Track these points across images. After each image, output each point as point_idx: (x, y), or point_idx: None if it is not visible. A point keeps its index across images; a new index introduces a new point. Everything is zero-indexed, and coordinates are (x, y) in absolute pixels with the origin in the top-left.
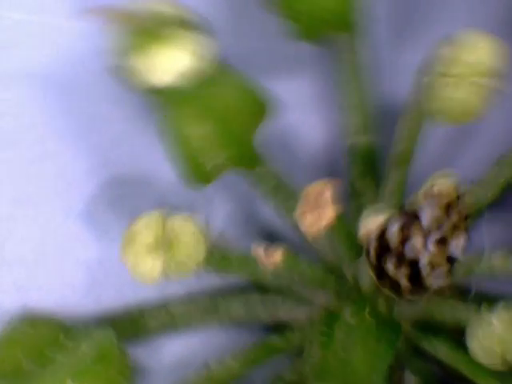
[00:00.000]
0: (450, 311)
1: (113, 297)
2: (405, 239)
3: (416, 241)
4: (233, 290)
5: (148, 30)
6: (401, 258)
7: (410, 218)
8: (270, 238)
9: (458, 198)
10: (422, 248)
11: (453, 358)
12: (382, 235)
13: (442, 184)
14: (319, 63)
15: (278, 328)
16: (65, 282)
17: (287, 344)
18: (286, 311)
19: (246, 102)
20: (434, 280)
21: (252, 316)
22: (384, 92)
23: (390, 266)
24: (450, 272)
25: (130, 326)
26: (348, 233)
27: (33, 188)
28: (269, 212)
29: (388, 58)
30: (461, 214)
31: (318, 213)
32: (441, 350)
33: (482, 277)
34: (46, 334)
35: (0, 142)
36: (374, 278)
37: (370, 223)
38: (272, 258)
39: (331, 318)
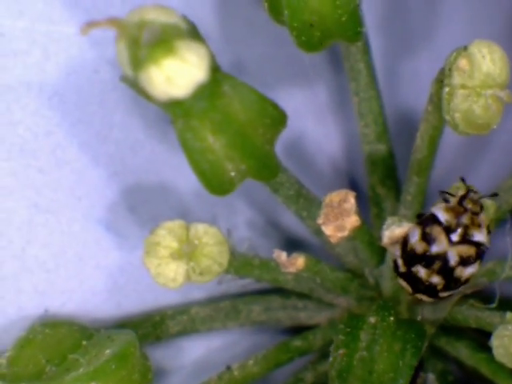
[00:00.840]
0: (474, 316)
1: (134, 302)
2: (429, 243)
3: (439, 239)
4: (254, 293)
5: (160, 42)
6: (429, 260)
7: (428, 222)
8: (292, 244)
9: (468, 191)
10: (447, 243)
11: (475, 358)
12: (405, 245)
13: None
14: (337, 71)
15: (298, 331)
16: (86, 287)
17: (308, 346)
18: (307, 315)
19: (262, 113)
20: (466, 270)
21: (273, 320)
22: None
23: (420, 271)
24: (480, 258)
25: (152, 330)
26: (369, 239)
27: (53, 194)
28: (290, 219)
29: (382, 66)
30: (475, 203)
31: (341, 221)
32: (463, 351)
33: (506, 282)
34: (67, 338)
35: (17, 150)
36: (409, 288)
37: (393, 232)
38: (294, 264)
39: (356, 320)
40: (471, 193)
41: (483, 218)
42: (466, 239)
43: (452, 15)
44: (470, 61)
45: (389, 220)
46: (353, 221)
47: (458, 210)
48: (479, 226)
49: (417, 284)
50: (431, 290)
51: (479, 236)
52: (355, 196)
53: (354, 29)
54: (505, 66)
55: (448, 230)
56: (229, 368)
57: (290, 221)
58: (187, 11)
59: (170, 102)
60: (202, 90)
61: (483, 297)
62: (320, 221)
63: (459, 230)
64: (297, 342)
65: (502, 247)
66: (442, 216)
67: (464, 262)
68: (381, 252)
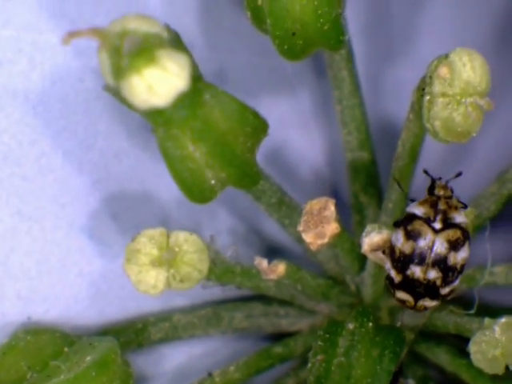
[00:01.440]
0: (453, 322)
1: (116, 309)
2: (415, 239)
3: (423, 231)
4: (235, 300)
5: (142, 51)
6: (421, 257)
7: (407, 221)
8: (274, 251)
9: (433, 180)
10: (432, 233)
11: (454, 364)
12: (393, 252)
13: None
14: (320, 79)
15: (280, 338)
16: (68, 294)
17: (289, 353)
18: (288, 322)
19: (243, 122)
20: (458, 255)
21: (255, 327)
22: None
23: (415, 270)
24: (467, 239)
25: (134, 337)
26: (351, 246)
27: (36, 202)
28: (272, 226)
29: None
30: (444, 188)
31: (321, 228)
32: (443, 357)
33: (485, 288)
34: (49, 345)
35: (2, 158)
36: (410, 298)
37: (373, 239)
38: (275, 271)
39: (334, 326)
40: (437, 180)
41: (456, 201)
42: (448, 223)
43: (435, 23)
44: (451, 69)
45: (368, 227)
46: (333, 228)
47: (431, 199)
48: (456, 208)
49: (416, 288)
50: (432, 290)
51: (459, 217)
52: (335, 203)
53: (336, 37)
54: (485, 73)
55: (429, 221)
56: (210, 374)
57: (272, 228)
58: (171, 20)
59: (151, 110)
60: (183, 99)
61: (462, 303)
62: (300, 228)
63: (439, 217)
64: (278, 349)
65: (482, 254)
66: (419, 210)
67: (454, 246)
68: (362, 259)
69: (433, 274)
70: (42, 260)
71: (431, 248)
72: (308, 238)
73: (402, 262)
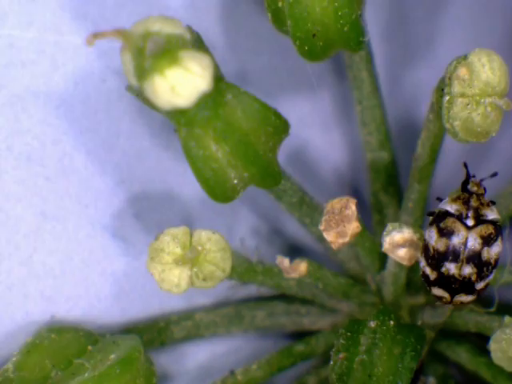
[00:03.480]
0: (473, 320)
1: (139, 307)
2: (448, 236)
3: (457, 228)
4: (258, 299)
5: (165, 52)
6: (455, 254)
7: (439, 218)
8: (295, 250)
9: (468, 176)
10: (465, 230)
11: (475, 362)
12: (427, 250)
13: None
14: (340, 80)
15: (302, 336)
16: (92, 293)
17: (311, 351)
18: (310, 320)
19: (264, 122)
20: (492, 250)
21: (276, 325)
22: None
23: (450, 267)
24: (500, 234)
25: (156, 335)
26: (371, 245)
27: (60, 202)
28: (293, 225)
29: (385, 75)
30: (477, 185)
31: (342, 227)
32: (463, 355)
33: (505, 287)
34: (73, 343)
35: (25, 158)
36: (446, 294)
37: (394, 238)
38: (297, 270)
39: (356, 324)
40: (471, 177)
41: (487, 200)
42: (480, 220)
43: (454, 25)
44: (470, 69)
45: (389, 226)
46: (354, 227)
47: (464, 196)
48: (488, 204)
49: (451, 285)
50: (467, 286)
51: (492, 214)
52: (356, 203)
53: (356, 38)
54: (504, 74)
55: (461, 218)
56: (232, 372)
57: (294, 228)
58: (193, 22)
59: (174, 110)
60: (205, 100)
61: (483, 302)
62: (321, 227)
63: (471, 214)
64: (299, 347)
65: (502, 253)
66: (451, 207)
67: (486, 241)
68: (382, 258)
69: (467, 270)
70: (65, 259)
71: (465, 244)
72: (329, 236)
73: (436, 259)
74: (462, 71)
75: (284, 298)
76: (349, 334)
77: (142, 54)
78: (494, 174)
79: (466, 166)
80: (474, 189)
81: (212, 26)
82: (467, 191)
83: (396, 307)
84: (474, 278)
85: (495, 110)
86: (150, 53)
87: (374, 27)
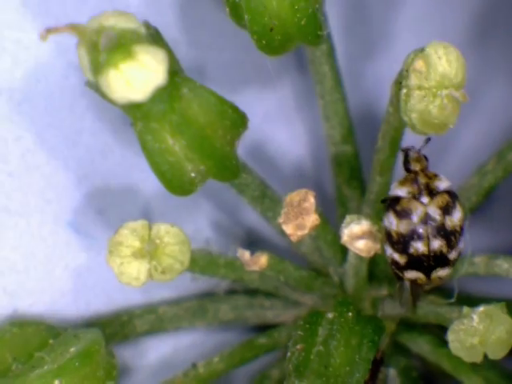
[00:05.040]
0: (433, 311)
1: (102, 302)
2: (408, 216)
3: (414, 206)
4: (221, 292)
5: (119, 46)
6: (419, 231)
7: (394, 203)
8: (259, 244)
9: (406, 153)
10: (422, 206)
11: (436, 354)
12: (390, 237)
13: None
14: (304, 74)
15: (266, 329)
16: (55, 287)
17: (274, 344)
18: (273, 313)
19: (221, 115)
20: (454, 217)
21: (240, 318)
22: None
23: (418, 246)
24: (457, 199)
25: (119, 329)
26: (333, 238)
27: (23, 198)
28: (256, 219)
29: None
30: (418, 160)
31: (301, 219)
32: (424, 347)
33: (466, 278)
34: (35, 337)
35: None
36: (422, 275)
37: (352, 230)
38: (257, 263)
39: (315, 316)
40: (410, 153)
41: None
42: (434, 193)
43: (413, 19)
44: (427, 62)
45: (347, 218)
46: (313, 219)
47: (410, 177)
48: (435, 176)
49: (423, 263)
50: (440, 259)
51: (442, 184)
52: (315, 195)
53: (313, 32)
54: (461, 66)
55: (415, 198)
56: (194, 365)
57: (257, 221)
58: (153, 18)
59: (130, 104)
60: (161, 93)
61: (444, 293)
62: (281, 220)
63: (424, 191)
64: (262, 340)
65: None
66: (401, 191)
67: (446, 211)
68: (344, 251)
69: (436, 244)
70: (28, 255)
71: (426, 219)
72: (288, 229)
73: (401, 242)
74: (419, 64)
75: (248, 291)
76: (307, 325)
77: (97, 48)
78: (428, 140)
79: (401, 149)
80: (417, 166)
81: (174, 22)
82: (411, 171)
83: (358, 299)
84: (444, 249)
85: (452, 102)
86: (104, 47)
87: (336, 22)
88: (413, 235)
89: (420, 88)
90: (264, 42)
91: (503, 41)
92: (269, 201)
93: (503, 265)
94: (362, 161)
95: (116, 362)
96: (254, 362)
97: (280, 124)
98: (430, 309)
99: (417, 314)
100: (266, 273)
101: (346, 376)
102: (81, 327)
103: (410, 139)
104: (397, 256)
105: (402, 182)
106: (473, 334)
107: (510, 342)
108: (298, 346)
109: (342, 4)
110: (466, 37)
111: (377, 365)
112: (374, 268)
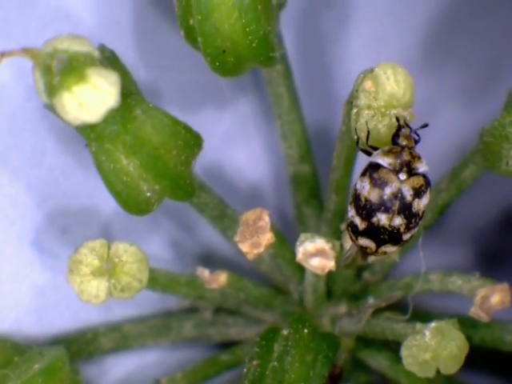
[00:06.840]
0: (390, 328)
1: (67, 320)
2: (381, 187)
3: (390, 179)
4: (185, 310)
5: (72, 69)
6: (388, 205)
7: (372, 169)
8: (218, 262)
9: (399, 128)
10: (398, 181)
11: (394, 370)
12: (359, 200)
13: None
14: (262, 94)
15: (229, 346)
16: (20, 306)
17: (236, 360)
18: (236, 331)
19: (174, 136)
20: (421, 201)
21: (204, 336)
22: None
23: (381, 218)
24: (429, 185)
25: (84, 346)
26: (292, 256)
27: None
28: (218, 238)
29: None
30: (408, 138)
31: (256, 238)
32: (383, 363)
33: (422, 295)
34: (0, 354)
35: None
36: (372, 244)
37: (306, 248)
38: (217, 281)
39: (271, 333)
40: (402, 129)
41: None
42: (412, 173)
43: (369, 39)
44: (375, 82)
45: (301, 236)
46: (268, 238)
47: (395, 149)
48: (419, 157)
49: (380, 235)
50: (395, 236)
51: (422, 167)
52: (270, 214)
53: (265, 54)
54: (409, 86)
55: (394, 171)
56: (158, 382)
57: (218, 240)
58: (114, 41)
59: (84, 126)
60: (114, 115)
61: (400, 309)
62: (237, 238)
63: (404, 168)
64: (224, 357)
65: (417, 262)
66: (383, 160)
67: (418, 193)
68: (303, 268)
69: (398, 221)
70: None
71: (398, 196)
72: (244, 247)
73: (367, 209)
74: (368, 84)
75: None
76: (263, 342)
77: (51, 71)
78: (425, 125)
79: (397, 119)
80: (405, 142)
81: (133, 45)
82: (398, 144)
83: (317, 316)
84: (402, 228)
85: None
86: (58, 70)
87: (292, 43)
88: (380, 206)
89: (369, 107)
90: (217, 63)
91: (458, 63)
92: (228, 220)
93: (457, 281)
94: (320, 180)
95: (80, 379)
96: (216, 379)
97: (239, 144)
98: (386, 325)
99: (374, 331)
100: (226, 291)
101: None
102: (46, 345)
103: (364, 159)
104: (358, 220)
105: (386, 153)
106: (425, 349)
107: (462, 358)
108: (254, 362)
109: (298, 25)
110: (421, 59)
111: (334, 380)
112: (333, 285)
